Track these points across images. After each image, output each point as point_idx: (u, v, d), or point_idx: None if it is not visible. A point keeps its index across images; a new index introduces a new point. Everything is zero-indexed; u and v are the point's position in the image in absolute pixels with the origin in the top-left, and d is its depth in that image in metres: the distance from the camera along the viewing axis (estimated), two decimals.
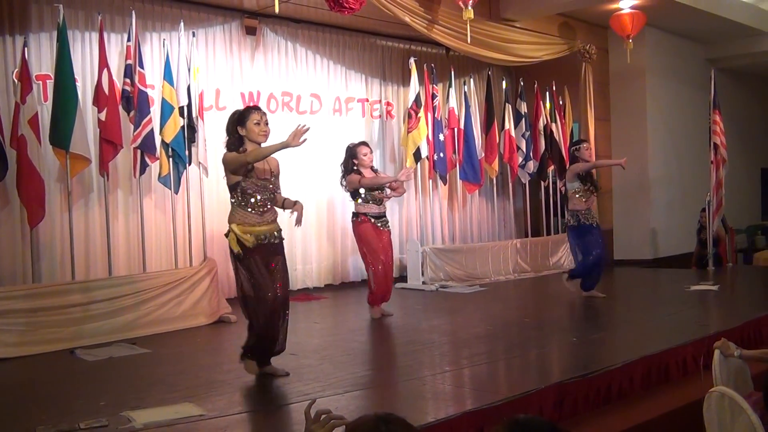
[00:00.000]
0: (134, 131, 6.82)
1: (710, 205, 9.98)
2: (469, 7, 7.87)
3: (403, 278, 9.45)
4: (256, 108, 4.88)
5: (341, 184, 7.06)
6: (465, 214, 10.68)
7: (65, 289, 6.20)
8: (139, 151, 6.88)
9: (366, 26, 9.49)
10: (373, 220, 6.86)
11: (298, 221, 4.93)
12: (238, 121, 4.77)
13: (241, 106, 8.41)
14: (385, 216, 7.01)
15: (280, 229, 4.86)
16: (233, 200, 4.76)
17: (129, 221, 7.44)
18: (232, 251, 4.68)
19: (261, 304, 4.62)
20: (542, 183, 10.93)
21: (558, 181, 10.76)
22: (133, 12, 6.90)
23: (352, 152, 6.97)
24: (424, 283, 9.05)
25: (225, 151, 4.77)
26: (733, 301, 7.80)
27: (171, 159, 7.03)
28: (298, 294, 8.59)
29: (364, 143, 7.14)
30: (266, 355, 4.77)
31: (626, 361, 4.66)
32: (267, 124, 4.75)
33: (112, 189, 7.23)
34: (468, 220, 10.73)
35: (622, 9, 10.11)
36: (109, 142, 6.67)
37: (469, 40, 8.36)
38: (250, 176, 4.67)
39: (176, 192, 7.24)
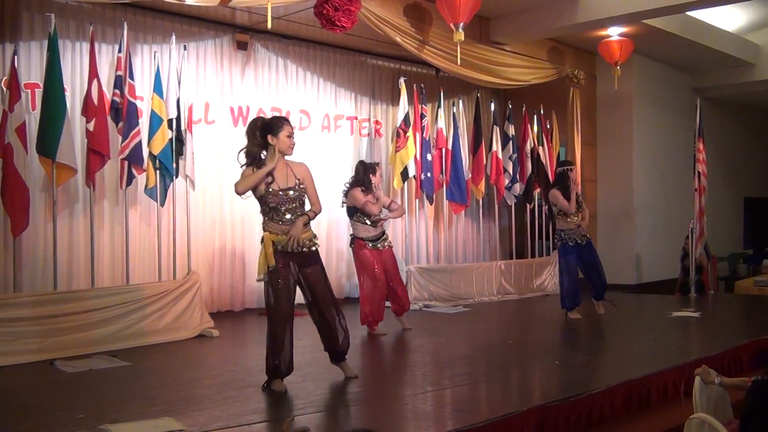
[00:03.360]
0: (122, 142, 6.82)
1: (693, 232, 10.07)
2: (460, 29, 7.93)
3: None
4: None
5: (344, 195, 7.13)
6: (450, 235, 10.71)
7: (46, 299, 6.14)
8: (126, 163, 6.87)
9: (357, 45, 9.54)
10: (370, 245, 7.02)
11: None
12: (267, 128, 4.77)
13: (230, 121, 8.49)
14: (382, 236, 7.17)
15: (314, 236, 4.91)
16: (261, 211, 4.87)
17: (114, 232, 7.40)
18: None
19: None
20: (528, 205, 10.97)
21: (543, 204, 10.81)
22: (125, 23, 6.91)
23: (371, 170, 7.09)
24: None
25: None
26: (714, 329, 7.84)
27: (158, 171, 7.01)
28: None
29: (377, 164, 7.32)
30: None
31: (608, 386, 4.67)
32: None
33: (98, 199, 7.21)
34: (453, 240, 10.75)
35: (610, 36, 10.26)
36: (97, 153, 6.66)
37: (458, 62, 8.44)
38: (270, 188, 4.73)
39: (162, 204, 7.21)
